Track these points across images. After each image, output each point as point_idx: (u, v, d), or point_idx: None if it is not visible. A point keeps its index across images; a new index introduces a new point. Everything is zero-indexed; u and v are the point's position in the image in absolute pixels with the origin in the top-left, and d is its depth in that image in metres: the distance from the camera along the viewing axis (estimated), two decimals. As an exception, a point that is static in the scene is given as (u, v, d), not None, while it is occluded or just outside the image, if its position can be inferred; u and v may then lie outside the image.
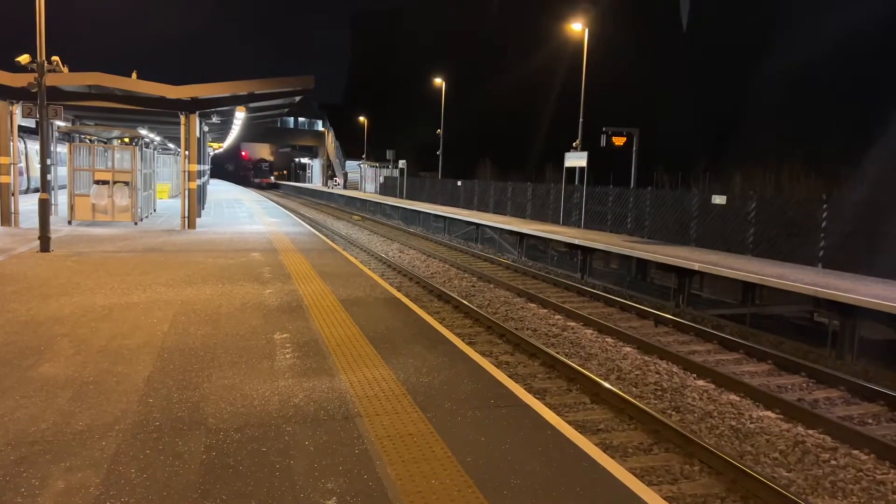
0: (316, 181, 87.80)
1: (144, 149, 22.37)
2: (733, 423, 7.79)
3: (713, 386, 9.14)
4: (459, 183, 36.43)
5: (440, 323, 9.01)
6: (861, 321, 11.13)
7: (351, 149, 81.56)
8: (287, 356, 6.79)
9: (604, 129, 24.18)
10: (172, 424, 4.96)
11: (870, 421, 8.17)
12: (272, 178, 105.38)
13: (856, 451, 7.05)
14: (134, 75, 19.61)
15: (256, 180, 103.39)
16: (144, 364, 6.37)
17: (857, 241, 13.75)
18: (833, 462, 6.80)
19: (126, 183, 19.76)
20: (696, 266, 14.18)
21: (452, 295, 14.50)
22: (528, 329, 12.18)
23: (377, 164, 61.97)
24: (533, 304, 14.49)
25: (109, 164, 20.03)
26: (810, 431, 7.56)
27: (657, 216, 19.81)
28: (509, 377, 6.62)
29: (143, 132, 22.94)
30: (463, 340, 8.33)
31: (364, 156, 69.69)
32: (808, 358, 10.87)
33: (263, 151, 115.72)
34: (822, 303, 11.63)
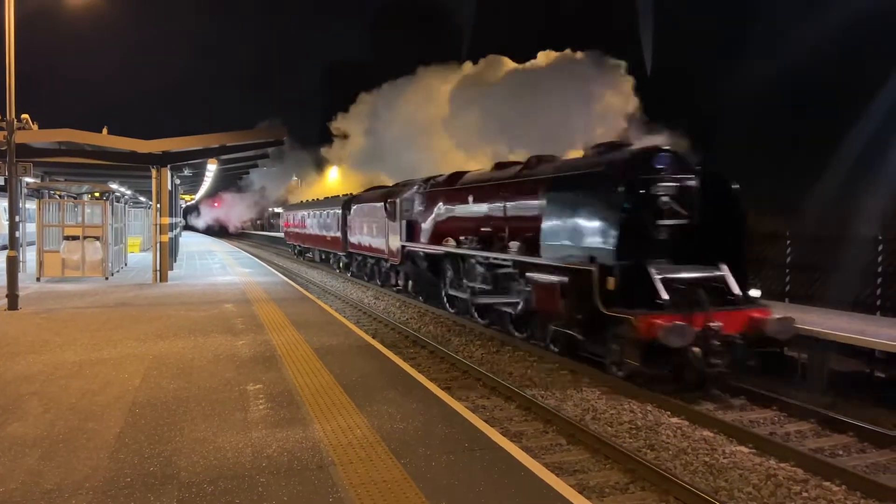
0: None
1: (115, 203, 22.30)
2: (707, 458, 7.86)
3: (687, 423, 9.22)
4: None
5: (415, 369, 9.04)
6: (828, 354, 11.34)
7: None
8: (260, 407, 6.77)
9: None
10: (144, 480, 4.92)
11: (840, 452, 8.30)
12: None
13: (827, 483, 7.14)
14: (105, 131, 19.68)
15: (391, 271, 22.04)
16: (115, 420, 6.31)
17: (821, 275, 14.07)
18: (805, 494, 6.89)
19: (97, 238, 19.64)
20: (667, 304, 14.35)
21: (428, 340, 14.50)
22: (504, 372, 12.21)
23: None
24: (508, 347, 14.54)
25: (79, 219, 19.92)
26: (782, 465, 7.65)
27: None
28: (485, 421, 6.66)
29: (114, 186, 22.92)
30: (438, 385, 8.36)
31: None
32: (780, 392, 11.02)
33: None
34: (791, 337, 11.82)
